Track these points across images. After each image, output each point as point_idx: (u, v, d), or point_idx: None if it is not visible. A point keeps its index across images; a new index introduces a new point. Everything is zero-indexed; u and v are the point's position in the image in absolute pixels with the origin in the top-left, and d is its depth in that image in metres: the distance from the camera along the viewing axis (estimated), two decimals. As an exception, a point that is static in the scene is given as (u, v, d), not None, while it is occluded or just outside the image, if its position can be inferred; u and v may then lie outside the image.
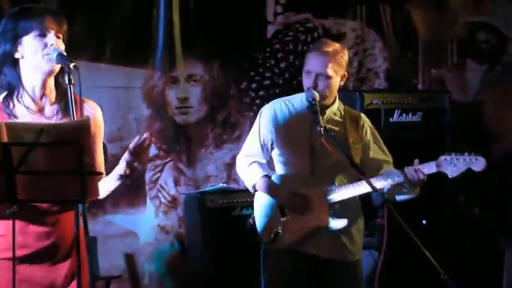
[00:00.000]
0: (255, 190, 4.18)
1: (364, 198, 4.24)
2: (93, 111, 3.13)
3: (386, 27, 6.73)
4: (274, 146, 4.17)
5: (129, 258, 5.74)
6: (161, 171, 5.86)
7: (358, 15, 6.64)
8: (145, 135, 2.94)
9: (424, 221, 5.56)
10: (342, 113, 4.17)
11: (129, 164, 2.96)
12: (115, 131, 5.63)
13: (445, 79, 6.93)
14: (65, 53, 2.95)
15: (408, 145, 4.85)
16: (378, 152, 4.16)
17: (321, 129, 3.81)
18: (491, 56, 6.99)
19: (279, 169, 4.18)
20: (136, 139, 2.94)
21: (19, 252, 2.90)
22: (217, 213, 5.49)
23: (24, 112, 3.01)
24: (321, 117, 3.89)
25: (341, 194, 4.03)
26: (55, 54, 2.93)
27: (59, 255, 3.02)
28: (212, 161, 6.07)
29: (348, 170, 3.97)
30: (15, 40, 2.97)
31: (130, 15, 5.72)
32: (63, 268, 3.03)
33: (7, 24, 2.99)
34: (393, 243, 4.01)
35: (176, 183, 5.93)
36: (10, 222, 2.83)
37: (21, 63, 3.00)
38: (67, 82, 2.85)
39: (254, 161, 4.17)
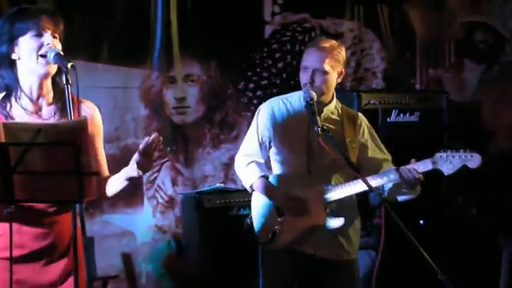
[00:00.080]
0: (253, 190, 4.18)
1: (361, 198, 4.24)
2: (91, 111, 3.13)
3: (383, 27, 6.73)
4: (271, 144, 4.17)
5: (127, 258, 5.74)
6: (158, 171, 5.86)
7: (355, 15, 6.64)
8: (153, 135, 2.93)
9: (421, 221, 5.56)
10: (340, 111, 4.17)
11: (139, 165, 2.95)
12: (112, 131, 5.63)
13: (442, 79, 6.94)
14: (62, 53, 2.95)
15: (406, 145, 4.85)
16: (376, 150, 4.17)
17: (318, 129, 3.81)
18: (489, 56, 7.00)
19: (276, 168, 4.18)
20: (145, 140, 2.93)
21: (16, 252, 2.90)
22: (215, 213, 5.50)
23: (21, 113, 3.01)
24: (318, 117, 3.89)
25: (338, 193, 4.03)
26: (52, 54, 2.93)
27: (55, 255, 3.02)
28: (209, 161, 6.07)
29: (345, 169, 3.97)
30: (12, 41, 2.97)
31: (127, 15, 5.71)
32: (58, 267, 3.02)
33: (3, 25, 3.00)
34: (391, 243, 4.01)
35: (173, 183, 5.93)
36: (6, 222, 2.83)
37: (18, 64, 3.00)
38: (65, 82, 2.85)
39: (252, 161, 4.17)
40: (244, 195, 4.87)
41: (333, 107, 4.14)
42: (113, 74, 5.73)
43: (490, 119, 6.72)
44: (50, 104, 3.06)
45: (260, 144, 4.18)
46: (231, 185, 5.92)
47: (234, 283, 5.35)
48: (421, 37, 6.87)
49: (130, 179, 3.03)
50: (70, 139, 2.67)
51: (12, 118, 2.98)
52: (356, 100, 5.46)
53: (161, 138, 2.95)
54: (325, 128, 3.86)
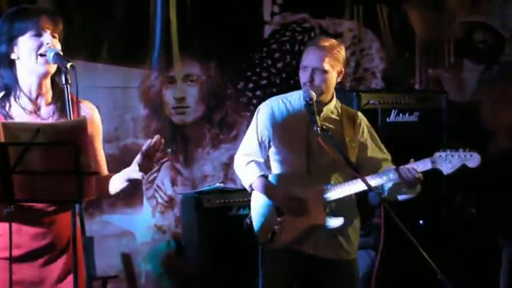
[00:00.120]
0: (252, 189, 4.18)
1: (361, 197, 4.24)
2: (90, 111, 3.13)
3: (383, 27, 6.73)
4: (271, 143, 4.17)
5: (126, 258, 5.74)
6: (158, 171, 5.86)
7: (355, 15, 6.64)
8: (155, 138, 2.94)
9: (421, 221, 5.56)
10: (339, 111, 4.17)
11: (141, 167, 2.96)
12: (112, 131, 5.63)
13: (442, 79, 6.94)
14: (61, 53, 2.95)
15: (405, 145, 4.84)
16: (376, 150, 4.16)
17: (318, 129, 3.81)
18: (488, 56, 6.99)
19: (275, 168, 4.17)
20: (148, 142, 2.94)
21: (15, 252, 2.90)
22: (214, 213, 5.50)
23: (20, 113, 3.01)
24: (318, 117, 3.89)
25: (337, 192, 4.03)
26: (52, 54, 2.93)
27: (54, 254, 3.02)
28: (209, 161, 6.07)
29: (344, 168, 3.96)
30: (11, 41, 2.97)
31: (127, 15, 5.71)
32: (57, 266, 3.02)
33: (3, 25, 3.00)
34: (390, 243, 4.01)
35: (173, 183, 5.93)
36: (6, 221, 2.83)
37: (17, 64, 3.00)
38: (64, 82, 2.85)
39: (252, 160, 4.17)
40: (244, 195, 4.87)
41: (332, 107, 4.14)
42: (113, 74, 5.73)
43: (490, 119, 6.72)
44: (48, 104, 3.06)
45: (259, 144, 4.18)
46: (230, 185, 5.92)
47: (234, 283, 5.35)
48: (420, 37, 6.87)
49: (131, 180, 3.04)
50: (69, 139, 2.67)
51: (11, 118, 2.98)
52: (355, 100, 5.46)
53: (163, 140, 2.96)
54: (324, 127, 3.86)
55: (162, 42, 5.86)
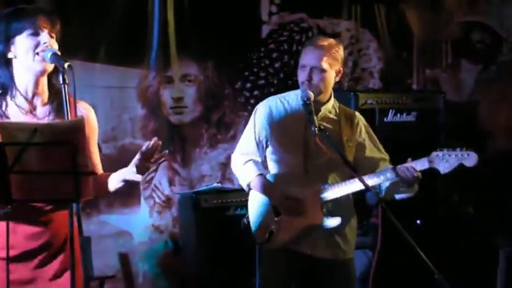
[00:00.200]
0: (250, 189, 4.18)
1: (358, 197, 4.24)
2: (86, 112, 3.13)
3: (381, 27, 6.74)
4: (268, 143, 4.17)
5: (123, 258, 5.74)
6: (155, 171, 5.85)
7: (352, 15, 6.64)
8: (153, 140, 2.97)
9: (418, 221, 5.57)
10: (337, 110, 4.17)
11: (138, 168, 2.97)
12: (109, 131, 5.63)
13: (439, 79, 6.94)
14: (58, 53, 2.95)
15: (402, 145, 4.84)
16: (374, 150, 4.16)
17: (316, 129, 3.81)
18: (486, 56, 7.00)
19: (272, 168, 4.17)
20: (146, 144, 2.97)
21: (12, 252, 2.90)
22: (212, 213, 5.50)
23: (16, 113, 3.00)
24: (315, 117, 3.89)
25: (334, 192, 4.03)
26: (49, 54, 2.93)
27: (51, 253, 3.02)
28: (207, 161, 6.07)
29: (341, 168, 3.97)
30: (8, 40, 2.97)
31: (124, 15, 5.71)
32: (53, 265, 3.02)
33: (0, 25, 2.99)
34: (387, 243, 4.01)
35: (170, 183, 5.93)
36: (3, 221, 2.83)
37: (14, 63, 3.00)
38: (61, 82, 2.85)
39: (249, 159, 4.16)
40: (241, 195, 4.87)
41: (330, 106, 4.14)
42: (110, 73, 5.73)
43: (487, 119, 6.73)
44: (44, 104, 3.05)
45: (257, 143, 4.18)
46: (228, 185, 5.92)
47: (231, 283, 5.35)
48: (418, 37, 6.87)
49: (127, 181, 3.04)
50: (66, 139, 2.67)
51: (7, 117, 2.98)
52: (353, 100, 5.47)
53: (160, 142, 2.99)
54: (322, 127, 3.86)
55: (160, 42, 5.86)
